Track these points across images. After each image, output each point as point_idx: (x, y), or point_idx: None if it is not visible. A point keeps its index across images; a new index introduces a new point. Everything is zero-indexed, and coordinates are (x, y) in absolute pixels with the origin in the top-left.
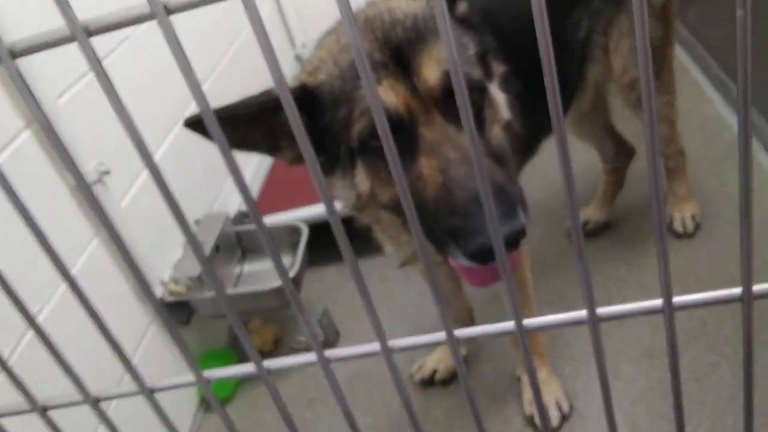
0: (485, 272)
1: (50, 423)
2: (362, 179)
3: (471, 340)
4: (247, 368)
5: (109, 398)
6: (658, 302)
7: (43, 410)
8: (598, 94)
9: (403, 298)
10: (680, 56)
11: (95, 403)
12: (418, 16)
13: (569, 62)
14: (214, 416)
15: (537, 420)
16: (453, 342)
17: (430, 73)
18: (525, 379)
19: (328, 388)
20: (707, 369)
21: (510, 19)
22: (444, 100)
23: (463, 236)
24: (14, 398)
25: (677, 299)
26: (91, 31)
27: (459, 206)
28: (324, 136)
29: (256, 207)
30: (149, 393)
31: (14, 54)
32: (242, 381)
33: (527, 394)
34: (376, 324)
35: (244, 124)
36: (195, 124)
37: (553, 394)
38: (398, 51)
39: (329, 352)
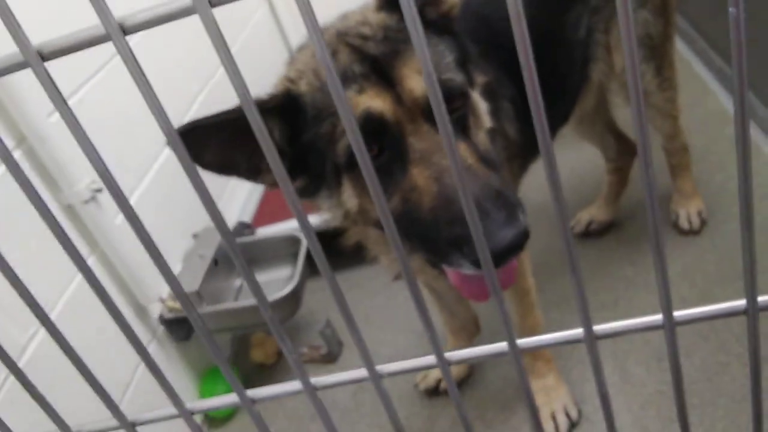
0: (484, 284)
1: None
2: (349, 196)
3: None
4: (231, 399)
5: None
6: (658, 318)
7: None
8: (600, 92)
9: (407, 305)
10: (682, 50)
11: None
12: (390, 28)
13: (571, 61)
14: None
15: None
16: (444, 365)
17: (414, 83)
18: (533, 387)
19: (331, 398)
20: (718, 369)
21: (501, 20)
22: (430, 110)
23: (467, 244)
24: None
25: (678, 314)
26: (126, 29)
27: (459, 214)
28: (308, 152)
29: (236, 248)
30: (131, 427)
31: (44, 56)
32: None
33: (536, 401)
34: (363, 347)
35: (225, 143)
36: (188, 133)
37: (560, 400)
38: (377, 63)
39: (315, 380)
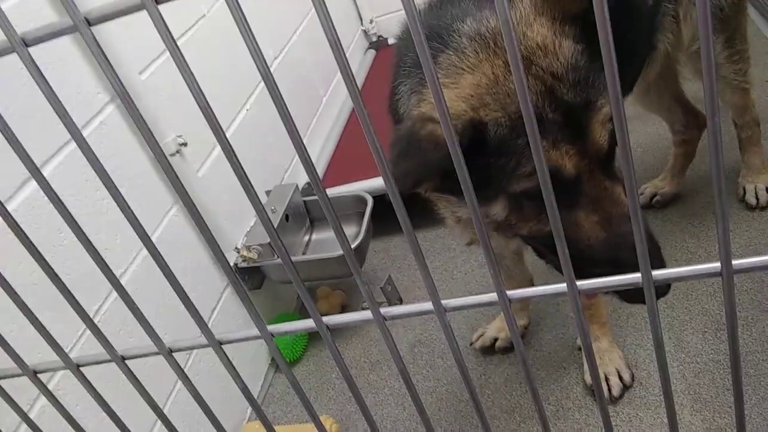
0: None
1: (129, 372)
2: (499, 210)
3: (531, 307)
4: (308, 324)
5: (181, 350)
6: (716, 265)
7: (121, 359)
8: (667, 63)
9: (465, 268)
10: (758, 22)
11: (169, 353)
12: (579, 68)
13: (638, 30)
14: (283, 375)
15: (595, 392)
16: (505, 301)
17: (601, 137)
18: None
19: (390, 355)
20: None
21: None
22: (607, 158)
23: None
24: (98, 350)
25: (737, 262)
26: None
27: (622, 262)
28: (474, 168)
29: (320, 182)
30: (218, 345)
31: (90, 22)
32: (310, 344)
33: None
34: (429, 283)
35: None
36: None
37: (614, 363)
38: (569, 110)
39: (385, 310)
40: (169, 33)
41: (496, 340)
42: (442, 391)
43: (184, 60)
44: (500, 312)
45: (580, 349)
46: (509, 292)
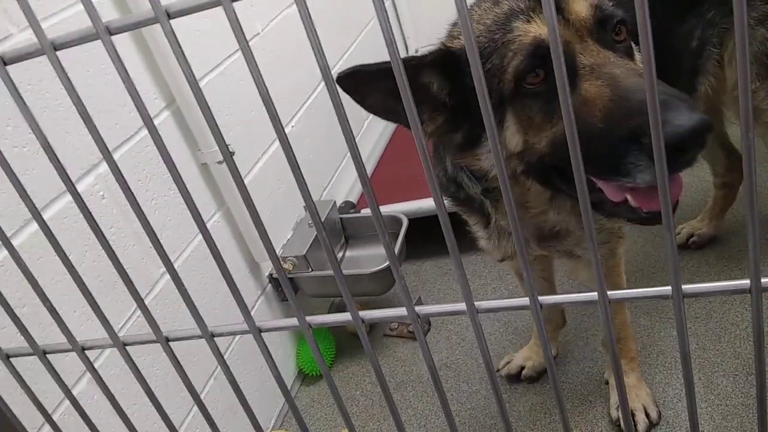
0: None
1: (172, 354)
2: (513, 133)
3: (560, 342)
4: (344, 317)
5: (222, 335)
6: (745, 282)
7: (166, 341)
8: (711, 106)
9: (496, 295)
10: None
11: (211, 337)
12: None
13: (678, 71)
14: (309, 388)
15: (623, 424)
16: (536, 306)
17: (579, 6)
18: (613, 383)
19: (416, 372)
20: None
21: None
22: (597, 31)
23: (647, 134)
24: (143, 330)
25: (766, 280)
26: None
27: (637, 105)
28: (470, 99)
29: (373, 193)
30: (257, 331)
31: (170, 15)
32: (335, 360)
33: (614, 397)
34: (463, 282)
35: (387, 92)
36: (347, 78)
37: (641, 400)
38: None
39: (419, 308)
40: (241, 30)
41: (522, 368)
42: (465, 415)
43: (254, 60)
44: (528, 341)
45: (607, 383)
46: (540, 298)
